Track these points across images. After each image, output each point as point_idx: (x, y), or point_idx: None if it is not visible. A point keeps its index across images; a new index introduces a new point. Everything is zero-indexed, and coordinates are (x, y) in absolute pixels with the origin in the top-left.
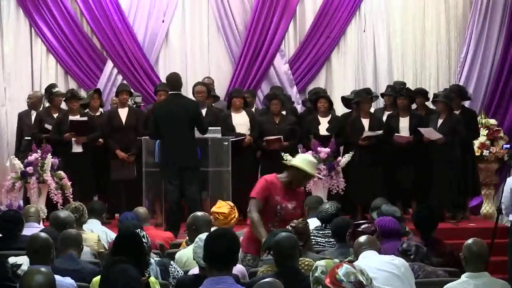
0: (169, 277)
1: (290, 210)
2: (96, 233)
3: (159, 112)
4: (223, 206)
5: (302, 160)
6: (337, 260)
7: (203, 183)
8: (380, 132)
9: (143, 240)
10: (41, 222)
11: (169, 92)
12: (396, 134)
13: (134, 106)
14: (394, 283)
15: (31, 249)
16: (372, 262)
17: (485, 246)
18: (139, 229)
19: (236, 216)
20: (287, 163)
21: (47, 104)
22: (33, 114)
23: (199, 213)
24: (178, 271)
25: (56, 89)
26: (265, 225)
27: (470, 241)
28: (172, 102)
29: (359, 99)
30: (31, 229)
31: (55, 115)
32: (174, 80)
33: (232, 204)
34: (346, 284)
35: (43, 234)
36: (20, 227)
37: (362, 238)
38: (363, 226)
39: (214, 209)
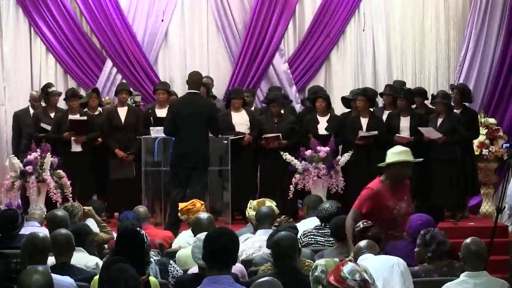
0: (169, 277)
1: (404, 209)
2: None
3: (176, 110)
4: (186, 205)
5: (392, 154)
6: (337, 260)
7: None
8: (375, 132)
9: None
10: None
11: (188, 91)
12: (396, 135)
13: (134, 105)
14: (391, 281)
15: (27, 249)
16: (371, 263)
17: (484, 245)
18: (138, 228)
19: (202, 203)
20: (382, 165)
21: (43, 104)
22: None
23: (202, 216)
24: (177, 271)
25: (52, 89)
26: (385, 233)
27: (468, 240)
28: (190, 100)
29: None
30: (31, 228)
31: (52, 115)
32: (195, 79)
33: (191, 201)
34: (351, 281)
35: (40, 234)
36: (20, 226)
37: (362, 243)
38: (372, 231)
39: (181, 206)
